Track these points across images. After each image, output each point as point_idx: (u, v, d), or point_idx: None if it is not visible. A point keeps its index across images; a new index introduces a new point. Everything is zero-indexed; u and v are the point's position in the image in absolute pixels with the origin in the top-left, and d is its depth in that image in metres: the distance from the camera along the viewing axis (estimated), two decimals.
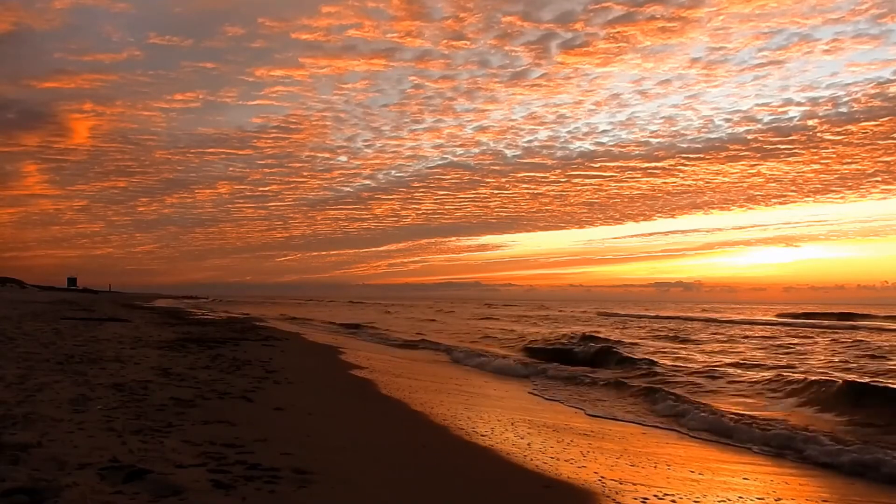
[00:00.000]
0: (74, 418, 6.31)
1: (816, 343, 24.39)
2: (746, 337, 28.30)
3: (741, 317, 53.71)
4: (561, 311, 69.73)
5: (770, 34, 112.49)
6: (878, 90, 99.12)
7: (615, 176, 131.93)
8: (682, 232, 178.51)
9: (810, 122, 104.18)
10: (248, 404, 8.09)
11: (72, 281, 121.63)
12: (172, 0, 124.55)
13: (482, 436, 7.80)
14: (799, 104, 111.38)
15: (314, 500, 4.52)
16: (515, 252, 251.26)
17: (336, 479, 5.10)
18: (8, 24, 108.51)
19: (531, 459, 6.72)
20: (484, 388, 13.26)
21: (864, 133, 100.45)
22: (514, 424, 8.89)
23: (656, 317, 52.49)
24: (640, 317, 52.71)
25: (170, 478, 4.56)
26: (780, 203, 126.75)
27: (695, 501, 5.59)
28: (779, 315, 56.73)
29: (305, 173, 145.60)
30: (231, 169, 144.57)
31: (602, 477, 6.16)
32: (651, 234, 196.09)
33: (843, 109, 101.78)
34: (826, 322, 43.24)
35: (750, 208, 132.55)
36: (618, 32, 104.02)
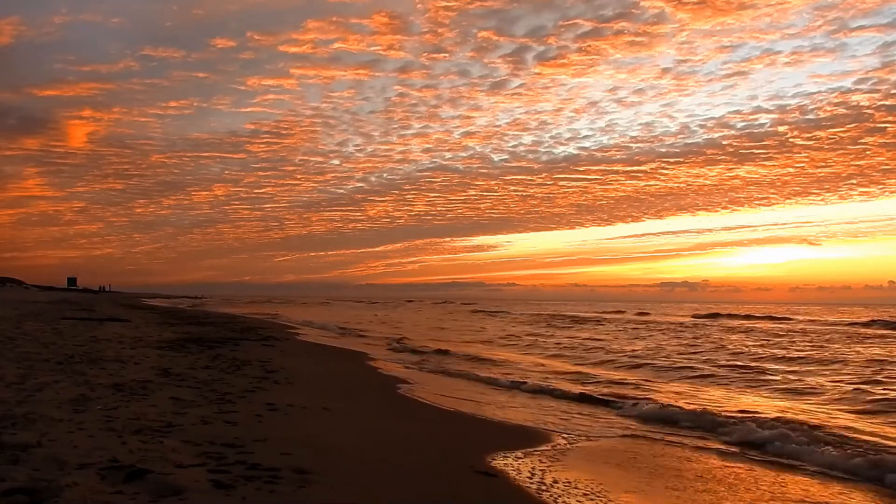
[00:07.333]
0: (74, 418, 6.31)
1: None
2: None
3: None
4: None
5: (732, 48, 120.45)
6: (841, 99, 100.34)
7: (600, 179, 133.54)
8: (697, 231, 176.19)
9: (780, 129, 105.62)
10: (248, 404, 8.08)
11: (72, 281, 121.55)
12: (164, 14, 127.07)
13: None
14: (768, 111, 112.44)
15: (314, 500, 4.51)
16: (511, 252, 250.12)
17: (336, 479, 5.09)
18: (9, 37, 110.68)
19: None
20: None
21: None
22: None
23: None
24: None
25: (170, 478, 4.55)
26: (801, 197, 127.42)
27: None
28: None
29: (299, 176, 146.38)
30: (226, 172, 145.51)
31: None
32: (662, 234, 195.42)
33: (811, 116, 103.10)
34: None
35: (752, 208, 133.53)
36: (588, 46, 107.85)
